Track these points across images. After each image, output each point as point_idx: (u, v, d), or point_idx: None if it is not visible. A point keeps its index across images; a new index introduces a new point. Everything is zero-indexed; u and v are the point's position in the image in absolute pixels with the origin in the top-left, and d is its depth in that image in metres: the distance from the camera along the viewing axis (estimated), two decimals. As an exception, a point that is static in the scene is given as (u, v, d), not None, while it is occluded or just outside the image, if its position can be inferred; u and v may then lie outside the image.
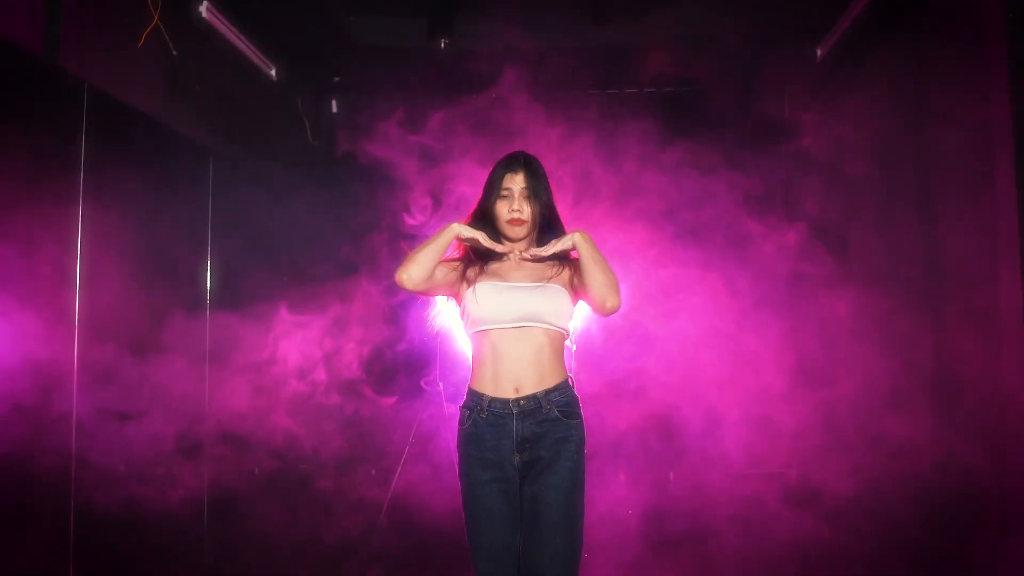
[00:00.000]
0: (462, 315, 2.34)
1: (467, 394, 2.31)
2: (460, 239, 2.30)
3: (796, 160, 5.25)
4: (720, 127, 5.40)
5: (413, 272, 2.22)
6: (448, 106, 4.73)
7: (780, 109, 5.77)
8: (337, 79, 6.17)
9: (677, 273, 4.69)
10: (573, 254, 2.28)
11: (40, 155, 3.14)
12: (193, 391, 4.09)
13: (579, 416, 2.26)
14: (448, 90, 5.20)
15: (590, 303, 2.28)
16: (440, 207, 4.14)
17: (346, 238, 4.99)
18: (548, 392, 2.21)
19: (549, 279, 2.30)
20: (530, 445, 2.19)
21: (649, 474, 4.76)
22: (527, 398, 2.20)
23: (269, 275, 4.79)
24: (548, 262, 2.33)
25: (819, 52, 5.32)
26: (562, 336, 2.30)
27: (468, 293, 2.28)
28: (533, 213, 2.32)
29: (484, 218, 2.35)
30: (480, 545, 2.18)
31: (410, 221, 3.87)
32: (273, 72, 5.55)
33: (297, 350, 4.17)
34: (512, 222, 2.31)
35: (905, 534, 3.93)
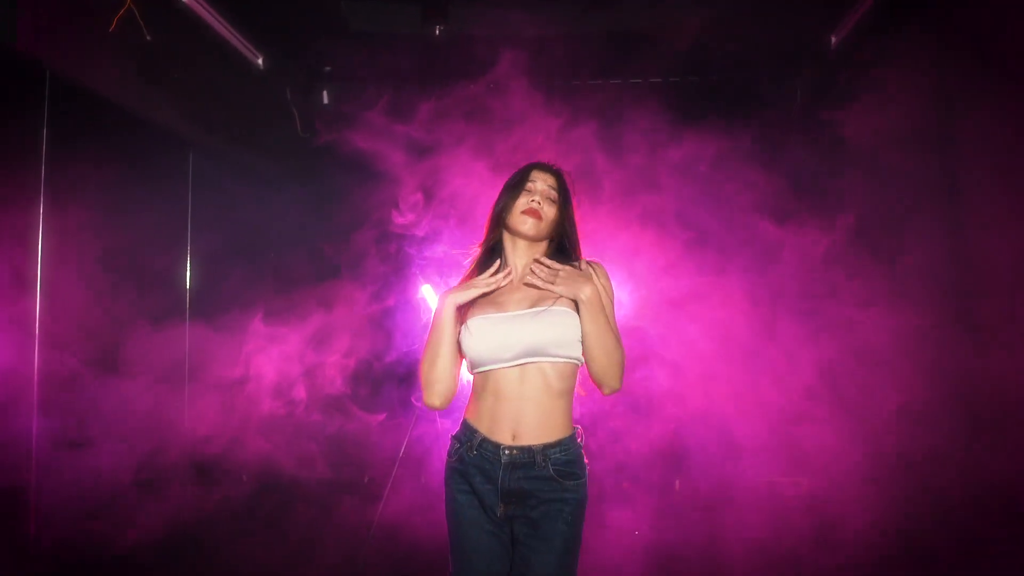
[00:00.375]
0: (461, 353, 2.07)
1: (461, 423, 2.06)
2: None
3: (810, 155, 5.00)
4: (729, 120, 5.14)
5: (439, 389, 2.03)
6: (441, 96, 4.50)
7: (792, 101, 5.51)
8: (328, 69, 5.89)
9: (681, 271, 4.49)
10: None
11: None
12: (168, 409, 3.80)
13: (580, 476, 1.97)
14: (442, 79, 4.95)
15: (588, 371, 2.03)
16: (432, 200, 3.87)
17: (333, 237, 4.70)
18: (547, 447, 1.94)
19: (555, 300, 2.00)
20: (515, 500, 1.94)
21: (660, 490, 4.52)
22: (521, 449, 1.93)
23: (251, 279, 4.50)
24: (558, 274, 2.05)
25: (833, 40, 5.08)
26: (573, 368, 2.01)
27: (463, 330, 2.02)
28: (551, 219, 2.09)
29: (497, 221, 2.12)
30: None
31: (398, 219, 3.61)
32: (260, 61, 5.28)
33: (277, 363, 3.88)
34: (528, 212, 2.06)
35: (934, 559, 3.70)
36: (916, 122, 4.28)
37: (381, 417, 4.39)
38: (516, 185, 2.11)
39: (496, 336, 1.96)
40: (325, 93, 6.02)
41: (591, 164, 4.48)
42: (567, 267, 2.01)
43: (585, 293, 1.96)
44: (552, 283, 1.98)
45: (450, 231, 4.05)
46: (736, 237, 4.65)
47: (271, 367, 3.86)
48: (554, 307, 1.99)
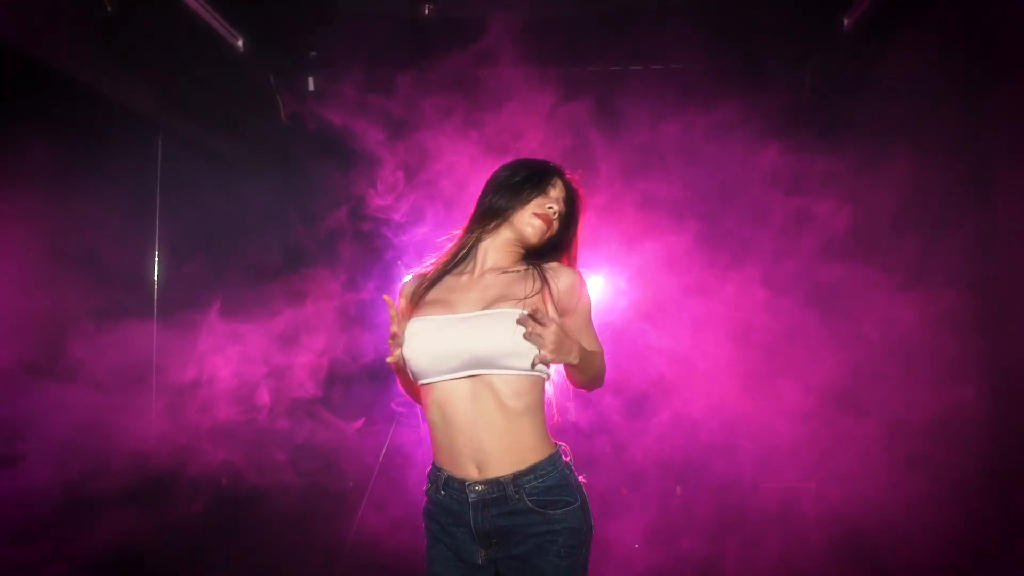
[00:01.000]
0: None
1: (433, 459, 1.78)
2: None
3: (822, 143, 4.74)
4: (737, 105, 4.89)
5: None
6: (429, 77, 4.26)
7: (803, 84, 5.26)
8: (314, 54, 5.64)
9: (686, 262, 4.26)
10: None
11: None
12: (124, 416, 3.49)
13: (571, 502, 1.67)
14: (430, 60, 4.71)
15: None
16: (413, 182, 3.61)
17: (313, 226, 4.42)
18: (518, 476, 1.62)
19: (516, 302, 1.70)
20: (496, 542, 1.64)
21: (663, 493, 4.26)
22: (488, 483, 1.63)
23: (221, 272, 4.18)
24: (520, 275, 1.78)
25: (846, 22, 4.82)
26: (532, 382, 1.70)
27: (405, 333, 1.73)
28: (555, 232, 1.89)
29: (493, 214, 1.87)
30: None
31: (378, 201, 3.35)
32: (240, 43, 5.02)
33: (242, 363, 3.59)
34: (542, 216, 1.83)
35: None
36: (933, 107, 4.05)
37: (358, 424, 4.06)
38: (537, 184, 1.87)
39: (439, 342, 1.66)
40: (311, 79, 5.76)
41: (587, 148, 4.27)
42: (554, 325, 1.64)
43: (574, 356, 1.67)
44: (540, 344, 1.64)
45: (435, 213, 3.83)
46: (744, 225, 4.41)
47: (236, 367, 3.57)
48: (503, 309, 1.68)
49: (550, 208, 1.87)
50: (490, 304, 1.72)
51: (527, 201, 1.86)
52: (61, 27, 3.34)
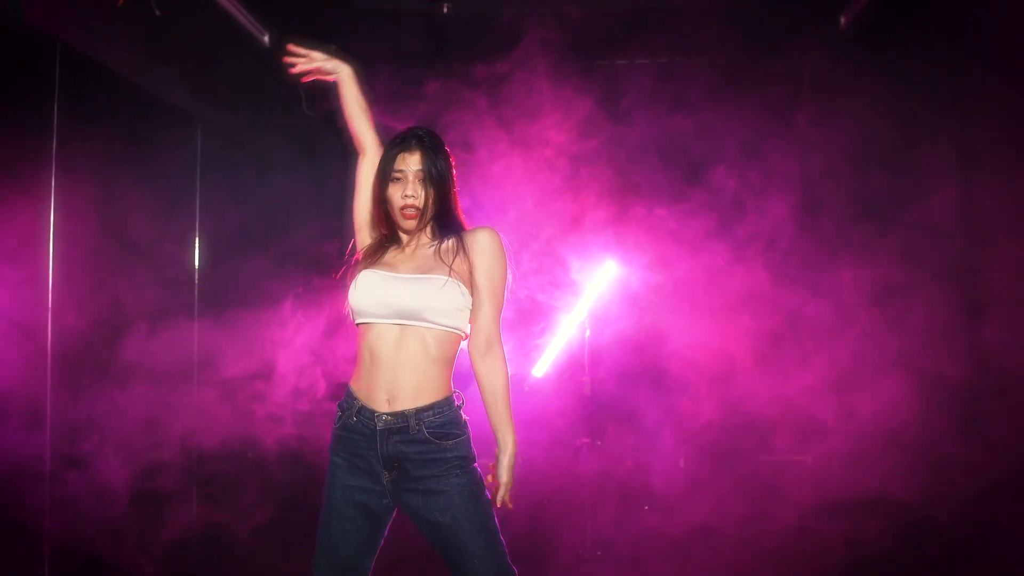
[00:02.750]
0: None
1: (346, 390, 2.07)
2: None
3: (820, 138, 4.98)
4: (736, 101, 5.11)
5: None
6: (449, 76, 4.45)
7: (800, 82, 5.47)
8: (334, 47, 5.83)
9: (689, 254, 4.48)
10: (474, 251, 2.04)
11: (8, 115, 2.86)
12: (182, 411, 3.73)
13: (458, 435, 1.99)
14: (450, 59, 4.91)
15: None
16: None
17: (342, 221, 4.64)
18: (420, 411, 1.95)
19: (446, 268, 1.99)
20: (399, 464, 1.96)
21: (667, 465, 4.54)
22: (395, 415, 1.95)
23: (265, 264, 4.40)
24: (446, 251, 2.03)
25: (843, 21, 5.04)
26: (454, 337, 2.02)
27: (352, 281, 2.05)
28: (428, 199, 2.03)
29: (380, 204, 2.07)
30: (319, 559, 1.99)
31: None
32: (266, 39, 5.24)
33: (302, 355, 3.82)
34: (405, 210, 2.02)
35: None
36: (927, 103, 4.27)
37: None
38: (384, 173, 2.05)
39: (379, 292, 1.98)
40: (330, 73, 5.96)
41: (600, 142, 4.47)
42: (501, 488, 1.99)
43: (509, 475, 1.99)
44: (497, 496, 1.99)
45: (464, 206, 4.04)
46: (745, 219, 4.65)
47: (287, 356, 3.81)
48: (436, 276, 1.98)
49: (408, 197, 2.00)
50: (424, 272, 2.01)
51: (391, 202, 2.03)
52: (119, 34, 3.58)
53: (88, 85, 3.29)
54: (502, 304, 2.06)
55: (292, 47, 2.26)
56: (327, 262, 4.62)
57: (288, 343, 3.90)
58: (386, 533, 2.04)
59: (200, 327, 3.99)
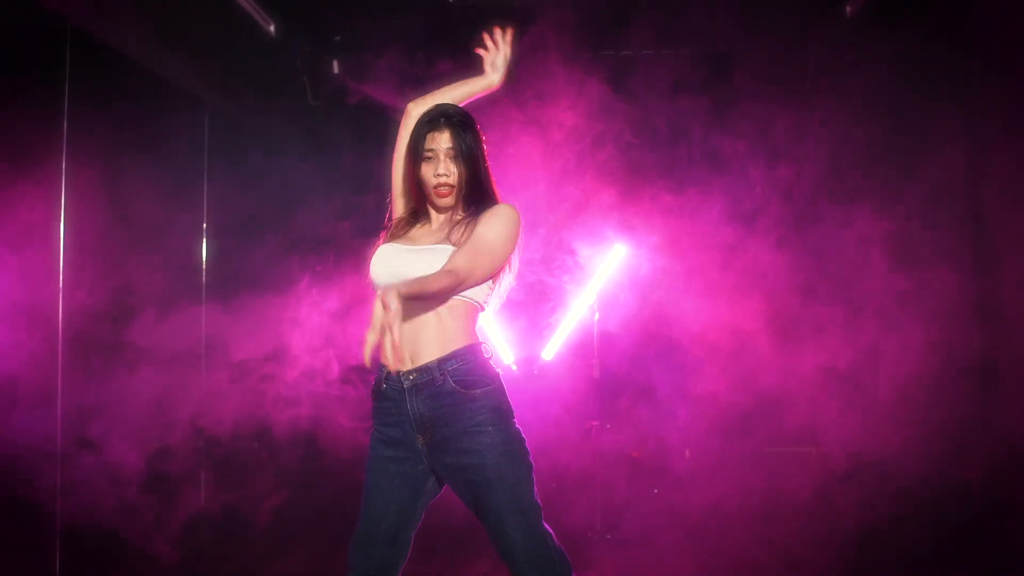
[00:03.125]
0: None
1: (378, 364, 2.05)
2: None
3: (825, 126, 4.99)
4: (740, 91, 5.13)
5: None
6: (456, 66, 4.44)
7: (806, 66, 5.48)
8: (338, 38, 5.84)
9: (693, 247, 4.50)
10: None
11: (20, 97, 2.86)
12: (192, 394, 3.73)
13: (487, 384, 1.96)
14: (457, 48, 4.91)
15: None
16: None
17: (349, 207, 4.66)
18: (443, 361, 1.94)
19: (454, 241, 2.00)
20: (430, 424, 1.94)
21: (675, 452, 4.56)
22: (419, 369, 1.94)
23: (273, 248, 4.40)
24: (460, 222, 2.04)
25: (848, 10, 5.05)
26: (468, 306, 2.02)
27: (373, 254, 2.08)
28: (461, 176, 2.04)
29: (413, 183, 2.09)
30: (360, 533, 1.98)
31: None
32: (272, 28, 5.25)
33: (312, 338, 3.83)
34: (439, 188, 2.03)
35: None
36: (931, 93, 4.28)
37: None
38: (415, 153, 2.05)
39: (394, 264, 1.99)
40: (336, 62, 5.97)
41: (607, 132, 4.47)
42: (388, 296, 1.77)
43: (394, 297, 1.78)
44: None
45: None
46: (753, 200, 4.66)
47: (297, 339, 3.82)
48: (444, 246, 1.98)
49: (440, 176, 2.02)
50: (438, 243, 2.02)
51: (424, 181, 2.05)
52: (129, 16, 3.59)
53: (98, 68, 3.30)
54: (493, 258, 1.97)
55: (496, 30, 2.25)
56: (334, 246, 4.72)
57: (297, 326, 3.90)
58: (427, 504, 2.02)
59: (208, 310, 3.99)
